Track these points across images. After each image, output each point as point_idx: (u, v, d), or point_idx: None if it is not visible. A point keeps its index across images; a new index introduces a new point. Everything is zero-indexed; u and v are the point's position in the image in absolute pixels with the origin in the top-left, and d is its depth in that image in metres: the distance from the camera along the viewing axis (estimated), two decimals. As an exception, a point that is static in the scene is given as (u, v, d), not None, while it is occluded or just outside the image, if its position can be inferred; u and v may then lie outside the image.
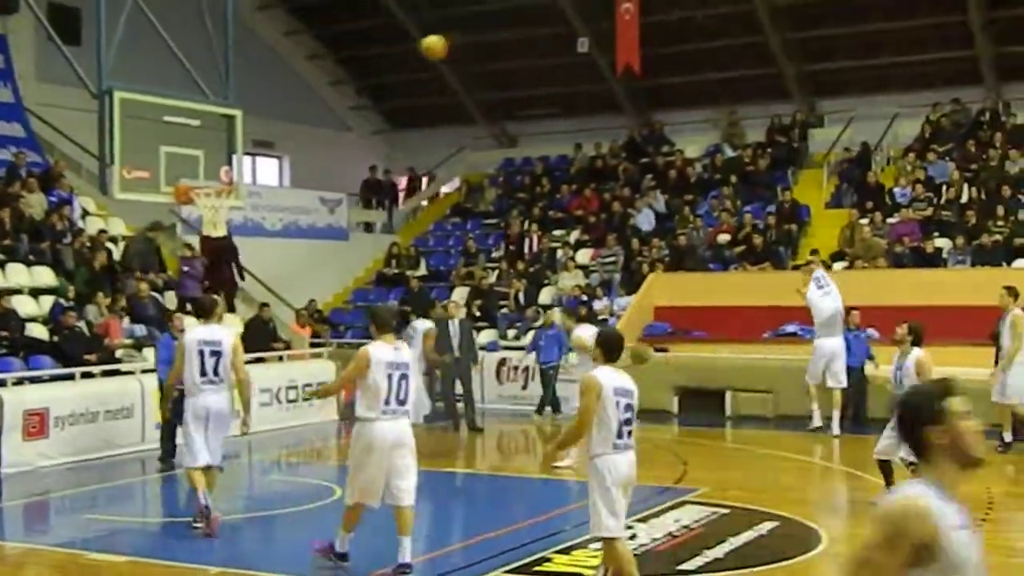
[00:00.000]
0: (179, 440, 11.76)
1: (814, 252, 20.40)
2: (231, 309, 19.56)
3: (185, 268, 19.36)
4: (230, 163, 15.35)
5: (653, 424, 17.40)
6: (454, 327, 17.24)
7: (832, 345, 15.90)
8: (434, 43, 12.68)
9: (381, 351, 8.39)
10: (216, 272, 19.58)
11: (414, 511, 8.58)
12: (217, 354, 10.10)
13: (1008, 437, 14.22)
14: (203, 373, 10.06)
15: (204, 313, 10.51)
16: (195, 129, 14.98)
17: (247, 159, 23.88)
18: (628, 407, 7.37)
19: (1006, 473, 13.24)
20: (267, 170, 29.17)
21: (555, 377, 18.54)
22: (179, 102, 14.85)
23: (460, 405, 17.30)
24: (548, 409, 18.51)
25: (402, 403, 8.43)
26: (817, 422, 16.17)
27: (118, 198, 14.65)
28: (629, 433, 7.39)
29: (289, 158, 29.17)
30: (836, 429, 15.77)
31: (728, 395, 18.35)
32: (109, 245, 18.99)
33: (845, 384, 15.88)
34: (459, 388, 17.30)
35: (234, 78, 15.74)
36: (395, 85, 30.02)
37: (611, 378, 7.34)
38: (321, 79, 29.88)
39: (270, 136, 27.12)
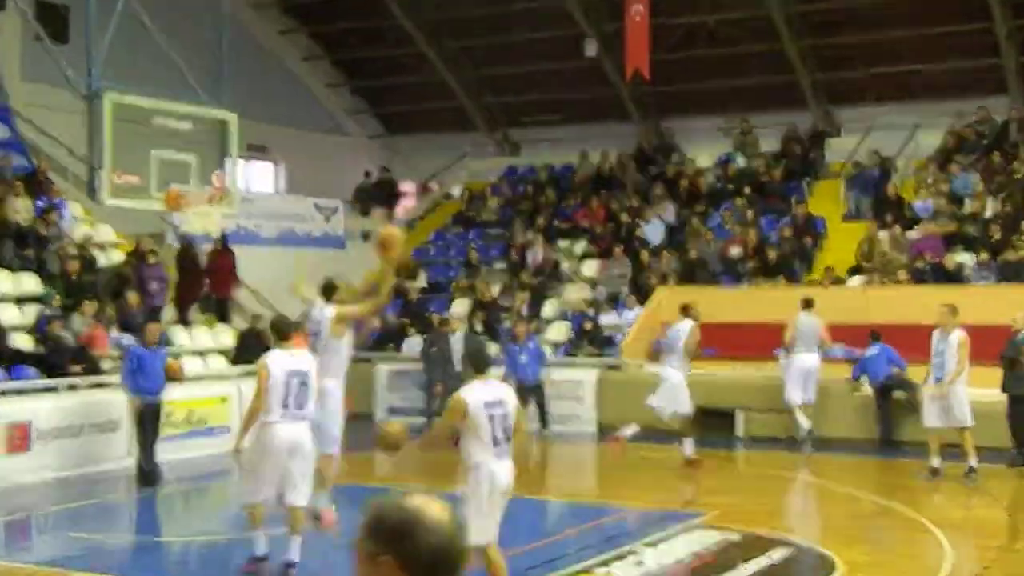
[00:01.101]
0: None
1: (828, 270, 20.47)
2: (224, 319, 19.58)
3: (147, 274, 19.18)
4: (223, 168, 15.40)
5: (661, 444, 17.41)
6: (456, 341, 17.28)
7: (812, 361, 16.55)
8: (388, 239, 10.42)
9: (278, 357, 9.32)
10: (213, 282, 19.56)
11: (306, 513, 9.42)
12: (304, 384, 9.44)
13: (937, 463, 13.90)
14: (285, 404, 9.31)
15: (282, 336, 9.69)
16: (187, 133, 15.07)
17: (240, 163, 23.90)
18: (502, 418, 7.97)
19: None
20: (261, 175, 29.21)
21: (541, 394, 18.51)
22: (171, 104, 14.93)
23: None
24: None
25: (300, 407, 9.28)
26: (805, 426, 16.67)
27: (107, 204, 14.68)
28: (507, 441, 8.00)
29: (284, 163, 29.21)
30: (808, 447, 16.06)
31: (739, 415, 18.35)
32: (95, 252, 19.02)
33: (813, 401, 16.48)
34: None
35: (228, 80, 15.80)
36: (394, 88, 30.08)
37: (480, 393, 7.96)
38: (317, 81, 29.96)
39: (264, 140, 27.18)
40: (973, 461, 13.77)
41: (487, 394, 8.01)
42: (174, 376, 14.19)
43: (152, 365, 13.85)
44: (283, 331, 9.68)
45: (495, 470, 7.98)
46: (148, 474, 14.04)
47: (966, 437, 13.76)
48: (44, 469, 14.32)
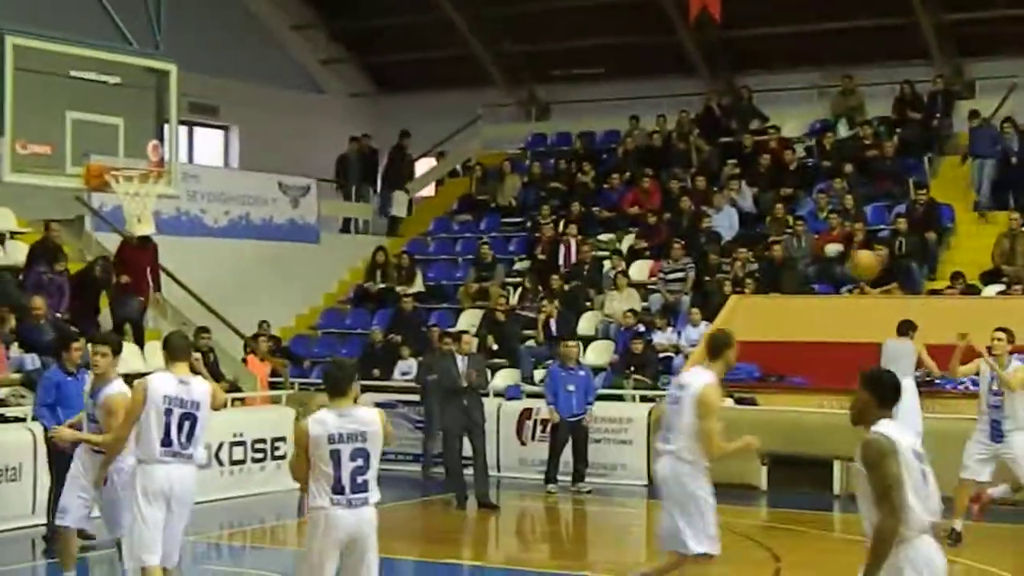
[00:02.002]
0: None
1: (956, 275, 20.39)
2: (140, 336, 19.45)
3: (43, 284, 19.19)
4: (160, 136, 15.46)
5: (732, 504, 17.35)
6: (463, 365, 17.31)
7: (906, 386, 16.46)
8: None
9: (161, 382, 9.78)
10: (131, 284, 19.55)
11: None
12: (191, 416, 9.85)
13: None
14: (166, 441, 9.75)
15: (174, 354, 10.09)
16: (113, 89, 15.13)
17: (183, 130, 24.04)
18: (358, 452, 8.41)
19: None
20: (208, 145, 29.35)
21: (583, 435, 18.71)
22: (92, 52, 14.98)
23: (468, 472, 17.35)
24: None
25: (184, 446, 9.78)
26: None
27: (7, 181, 14.75)
28: (360, 486, 8.47)
29: (238, 129, 29.32)
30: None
31: (837, 466, 18.32)
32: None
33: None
34: (468, 448, 17.37)
35: (166, 20, 15.87)
36: (384, 31, 30.15)
37: (327, 423, 8.39)
38: (282, 22, 30.06)
39: (213, 99, 27.30)
40: None
41: (340, 424, 8.38)
42: None
43: (76, 395, 13.86)
44: (179, 349, 10.15)
45: (337, 517, 8.42)
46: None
47: None
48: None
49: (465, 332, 18.71)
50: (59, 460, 13.83)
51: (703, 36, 26.83)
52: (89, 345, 8.84)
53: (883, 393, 6.96)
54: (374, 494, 8.60)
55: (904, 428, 6.95)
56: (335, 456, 8.34)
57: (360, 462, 8.43)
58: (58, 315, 18.41)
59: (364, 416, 8.55)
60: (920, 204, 22.33)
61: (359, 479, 8.43)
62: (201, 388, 9.96)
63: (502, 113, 30.04)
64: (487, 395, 19.44)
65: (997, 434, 14.07)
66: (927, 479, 6.85)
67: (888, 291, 20.79)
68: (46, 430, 13.97)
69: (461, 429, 17.28)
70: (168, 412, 9.67)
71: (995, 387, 14.05)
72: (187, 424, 9.77)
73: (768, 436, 18.49)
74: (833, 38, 26.43)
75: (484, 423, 17.65)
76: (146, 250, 19.72)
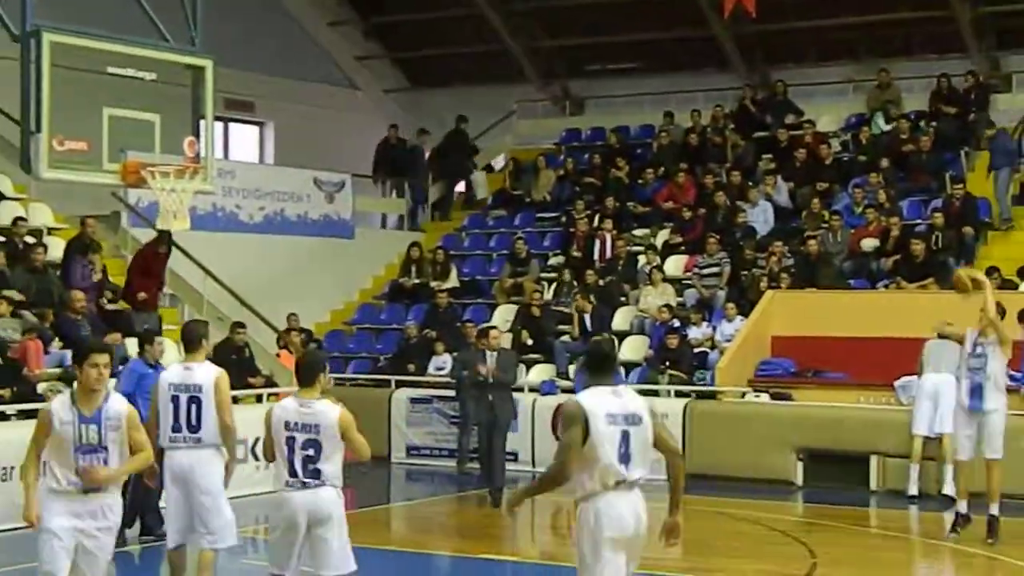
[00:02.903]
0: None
1: (992, 270, 20.27)
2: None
3: (79, 274, 19.27)
4: (196, 132, 15.50)
5: (768, 499, 17.35)
6: (491, 360, 17.30)
7: (945, 381, 16.67)
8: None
9: (165, 374, 10.70)
10: (149, 300, 19.61)
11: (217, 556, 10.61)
12: (196, 400, 10.59)
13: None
14: (176, 427, 10.54)
15: (190, 345, 10.92)
16: (149, 85, 15.14)
17: (218, 126, 24.12)
18: (310, 443, 8.87)
19: None
20: (244, 141, 29.44)
21: None
22: (128, 48, 15.02)
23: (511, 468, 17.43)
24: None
25: (193, 430, 10.42)
26: (912, 489, 17.11)
27: (44, 177, 14.82)
28: (312, 472, 8.89)
29: (274, 125, 29.40)
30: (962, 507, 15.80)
31: (874, 461, 18.27)
32: (29, 239, 19.23)
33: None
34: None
35: (202, 17, 15.91)
36: (417, 26, 30.18)
37: (288, 409, 9.01)
38: (317, 18, 30.13)
39: (248, 95, 27.38)
40: None
41: (299, 413, 8.94)
42: None
43: None
44: (192, 339, 10.86)
45: (294, 498, 8.91)
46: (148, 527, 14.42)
47: None
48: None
49: (493, 327, 18.69)
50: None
51: (738, 30, 26.76)
52: (89, 356, 8.38)
53: (590, 363, 7.96)
54: (332, 479, 8.97)
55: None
56: (290, 442, 8.89)
57: (311, 452, 8.87)
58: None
59: (323, 410, 8.95)
60: (957, 199, 22.22)
61: (310, 467, 8.88)
62: (204, 372, 10.59)
63: (536, 108, 30.04)
64: (520, 390, 19.46)
65: (977, 399, 14.12)
66: (630, 440, 7.56)
67: (924, 286, 20.72)
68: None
69: (488, 424, 17.34)
70: (175, 399, 10.39)
71: (978, 349, 14.22)
72: (194, 408, 10.46)
73: (804, 431, 18.60)
74: (868, 31, 26.34)
75: (509, 419, 17.68)
76: (160, 258, 19.80)
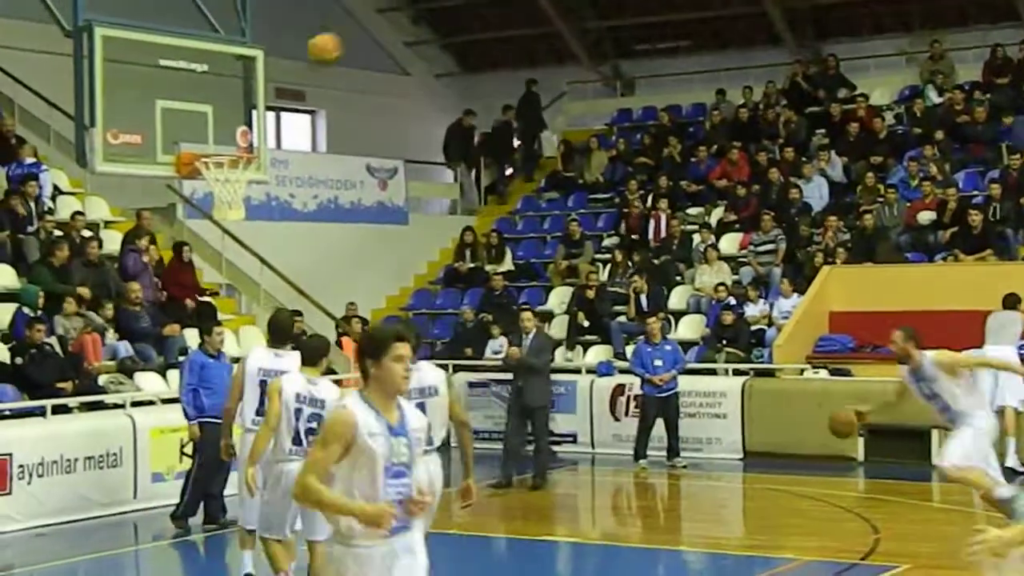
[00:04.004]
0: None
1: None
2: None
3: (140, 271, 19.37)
4: (249, 122, 15.55)
5: (829, 475, 17.28)
6: (527, 343, 17.29)
7: (1007, 355, 16.38)
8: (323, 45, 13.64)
9: (257, 356, 11.08)
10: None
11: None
12: (318, 417, 9.82)
13: None
14: (297, 440, 10.00)
15: (310, 360, 10.40)
16: (201, 77, 15.21)
17: (270, 115, 24.19)
18: (315, 416, 9.60)
19: None
20: (296, 130, 29.54)
21: (675, 410, 18.71)
22: (179, 41, 15.09)
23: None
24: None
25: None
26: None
27: (99, 171, 14.92)
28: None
29: (325, 113, 29.48)
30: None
31: (935, 435, 18.14)
32: (86, 232, 19.36)
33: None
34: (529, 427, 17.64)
35: (251, 6, 15.95)
36: (467, 11, 30.18)
37: (297, 383, 9.85)
38: (367, 5, 30.17)
39: (299, 84, 27.43)
40: None
41: (308, 389, 9.82)
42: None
43: (220, 378, 14.00)
44: (279, 330, 11.30)
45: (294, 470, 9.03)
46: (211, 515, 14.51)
47: None
48: (29, 516, 14.58)
49: (527, 309, 18.66)
50: (208, 445, 14.00)
51: (788, 4, 26.63)
52: (391, 347, 6.25)
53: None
54: None
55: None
56: (297, 414, 9.75)
57: (315, 424, 9.50)
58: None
59: (327, 388, 9.96)
60: (1014, 169, 22.03)
61: (311, 438, 9.35)
62: (328, 389, 10.34)
63: (587, 90, 29.99)
64: (577, 372, 19.49)
65: None
66: (425, 409, 8.72)
67: (982, 258, 20.57)
68: (186, 413, 14.18)
69: (518, 409, 17.41)
70: (298, 412, 10.18)
71: None
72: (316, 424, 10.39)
73: (863, 407, 18.48)
74: (920, 3, 26.09)
75: (542, 403, 17.55)
76: (187, 270, 19.86)
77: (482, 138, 28.78)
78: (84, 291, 17.76)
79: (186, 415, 14.15)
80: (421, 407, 8.00)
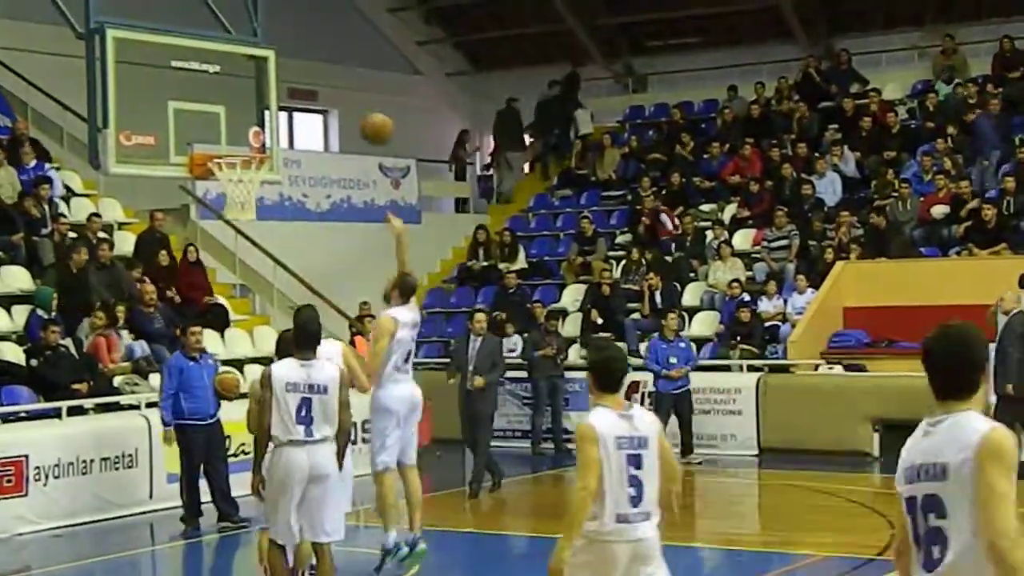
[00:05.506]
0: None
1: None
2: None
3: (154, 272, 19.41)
4: (261, 122, 15.58)
5: (844, 471, 17.26)
6: (473, 348, 16.80)
7: None
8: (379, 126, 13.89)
9: (284, 369, 9.84)
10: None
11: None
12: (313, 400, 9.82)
13: None
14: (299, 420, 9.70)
15: (304, 343, 9.97)
16: (213, 77, 15.25)
17: (282, 115, 24.21)
18: (306, 402, 9.58)
19: None
20: (308, 130, 29.55)
21: (688, 406, 18.69)
22: (192, 42, 15.12)
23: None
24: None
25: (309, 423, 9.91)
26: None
27: (113, 172, 14.95)
28: (312, 428, 9.56)
29: (337, 113, 29.48)
30: None
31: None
32: (102, 234, 19.39)
33: None
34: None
35: (263, 7, 15.98)
36: (478, 9, 30.16)
37: (287, 371, 9.64)
38: (377, 4, 30.16)
39: (311, 84, 27.46)
40: None
41: (303, 374, 9.66)
42: (228, 393, 14.41)
43: (200, 381, 14.06)
44: (303, 334, 10.13)
45: (294, 452, 9.42)
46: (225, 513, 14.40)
47: None
48: (45, 517, 14.63)
49: (480, 311, 18.13)
50: (195, 447, 14.07)
51: (800, 0, 26.54)
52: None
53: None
54: (328, 434, 9.64)
55: None
56: (295, 398, 9.57)
57: (315, 411, 9.58)
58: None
59: (326, 368, 9.80)
60: (1027, 162, 21.98)
61: (312, 423, 9.53)
62: (326, 370, 10.01)
63: (599, 87, 29.95)
64: (573, 370, 19.61)
65: None
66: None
67: (997, 252, 20.52)
68: (163, 419, 14.22)
69: (467, 416, 16.75)
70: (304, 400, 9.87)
71: None
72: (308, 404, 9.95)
73: (879, 402, 18.47)
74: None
75: (484, 412, 16.74)
76: (196, 270, 19.88)
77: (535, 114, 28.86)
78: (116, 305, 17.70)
79: (163, 420, 14.25)
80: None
